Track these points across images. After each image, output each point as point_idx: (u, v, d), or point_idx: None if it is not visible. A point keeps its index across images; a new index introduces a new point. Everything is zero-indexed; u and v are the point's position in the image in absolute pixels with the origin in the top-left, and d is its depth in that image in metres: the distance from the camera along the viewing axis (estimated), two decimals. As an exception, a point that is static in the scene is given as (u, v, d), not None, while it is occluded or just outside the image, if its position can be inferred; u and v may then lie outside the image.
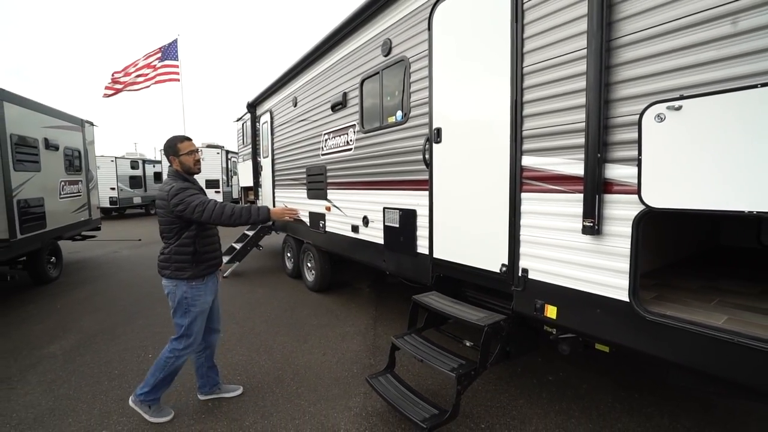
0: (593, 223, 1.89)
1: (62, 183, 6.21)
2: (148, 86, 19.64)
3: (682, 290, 2.24)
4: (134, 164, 17.82)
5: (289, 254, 6.58)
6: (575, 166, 2.00)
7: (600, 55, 1.80)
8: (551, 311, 2.21)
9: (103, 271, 7.18)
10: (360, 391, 2.97)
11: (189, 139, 2.54)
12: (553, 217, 2.14)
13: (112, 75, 18.52)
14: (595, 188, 1.87)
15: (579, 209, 1.98)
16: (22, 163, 5.00)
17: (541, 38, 2.14)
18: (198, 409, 2.78)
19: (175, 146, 2.48)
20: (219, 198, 15.79)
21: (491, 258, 2.54)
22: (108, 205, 15.67)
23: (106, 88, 18.58)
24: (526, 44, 2.23)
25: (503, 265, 2.46)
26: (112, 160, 16.27)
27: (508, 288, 2.46)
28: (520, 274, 2.37)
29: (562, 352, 2.39)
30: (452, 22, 2.72)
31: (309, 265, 5.75)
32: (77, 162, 6.84)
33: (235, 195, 17.26)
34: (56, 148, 6.00)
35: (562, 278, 2.13)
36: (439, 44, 2.84)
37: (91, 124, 8.23)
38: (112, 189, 16.14)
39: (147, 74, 19.27)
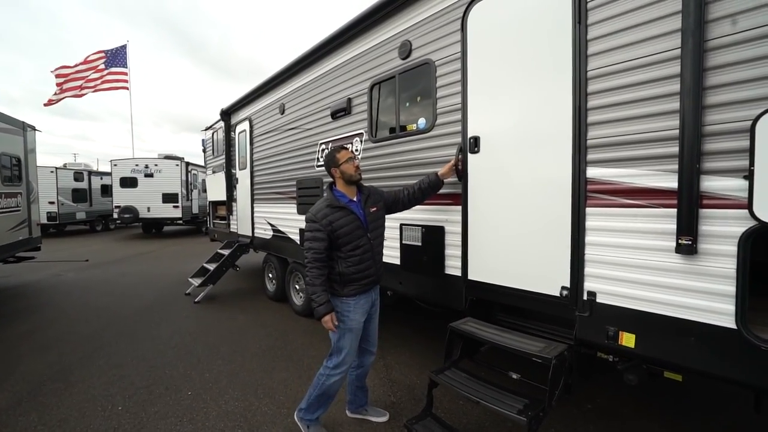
0: (692, 241, 1.69)
1: (-2, 196, 5.25)
2: (89, 93, 17.97)
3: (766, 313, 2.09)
4: (78, 176, 16.07)
5: (271, 275, 6.00)
6: (661, 178, 1.81)
7: (699, 55, 1.63)
8: (628, 339, 1.97)
9: (45, 299, 6.13)
10: (391, 437, 2.56)
11: (346, 148, 2.56)
12: (631, 234, 1.92)
13: (56, 77, 16.89)
14: (693, 203, 1.68)
15: (666, 225, 1.79)
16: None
17: (611, 40, 1.96)
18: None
19: (334, 157, 2.48)
20: (177, 213, 14.63)
21: (547, 279, 2.28)
22: (46, 221, 13.92)
23: (52, 97, 16.85)
24: (590, 46, 2.04)
25: (564, 287, 2.20)
26: (52, 171, 14.54)
27: (569, 313, 2.21)
28: (585, 298, 2.12)
29: (629, 383, 2.15)
30: (492, 23, 2.51)
31: (297, 287, 5.23)
32: (16, 171, 5.87)
33: (195, 210, 16.08)
34: (-9, 155, 5.08)
35: (642, 302, 1.90)
36: (476, 47, 2.61)
37: (33, 128, 7.21)
38: (51, 203, 14.37)
39: (91, 79, 17.68)
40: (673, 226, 1.75)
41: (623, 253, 1.96)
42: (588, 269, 2.11)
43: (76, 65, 17.43)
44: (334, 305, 2.38)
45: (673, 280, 1.79)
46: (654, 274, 1.85)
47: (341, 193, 2.47)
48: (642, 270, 1.89)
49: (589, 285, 2.11)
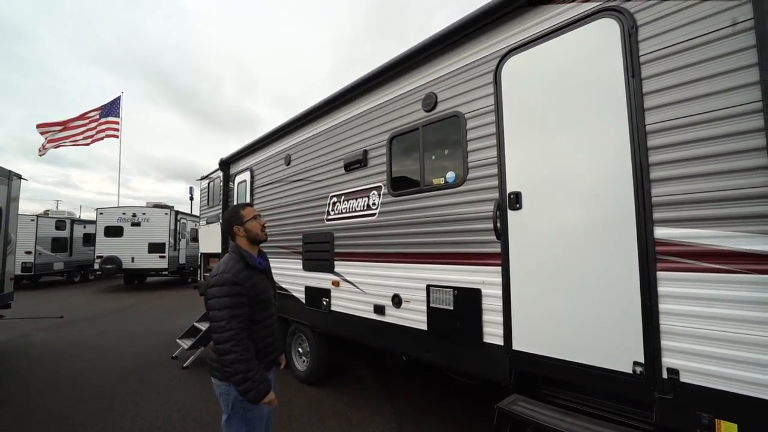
0: (807, 315, 1.46)
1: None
2: (87, 143, 18.08)
3: None
4: (60, 224, 15.43)
5: (268, 335, 5.49)
6: (753, 240, 1.62)
7: (787, 109, 1.52)
8: (727, 429, 1.67)
9: (9, 366, 5.42)
10: None
11: (250, 205, 2.32)
12: (720, 303, 1.70)
13: (47, 129, 16.85)
14: (802, 270, 1.48)
15: None
16: None
17: (671, 93, 1.87)
18: None
19: (238, 213, 2.21)
20: (164, 263, 13.99)
21: (615, 353, 2.00)
22: (20, 272, 13.06)
23: (44, 146, 16.72)
24: (646, 100, 1.94)
25: (637, 363, 1.92)
26: (33, 219, 13.94)
27: (646, 394, 1.90)
28: (665, 376, 1.83)
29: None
30: (530, 76, 2.44)
31: (300, 350, 4.76)
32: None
33: (182, 260, 15.43)
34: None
35: (744, 384, 1.63)
36: (512, 99, 2.53)
37: (19, 177, 6.88)
38: (28, 253, 13.60)
39: (86, 131, 17.87)
40: (777, 297, 1.54)
41: (711, 324, 1.72)
42: (666, 342, 1.85)
43: (71, 120, 17.56)
44: (237, 394, 1.96)
45: (784, 360, 1.54)
46: (758, 351, 1.60)
47: (249, 253, 2.16)
48: (740, 346, 1.64)
49: (668, 361, 1.84)
